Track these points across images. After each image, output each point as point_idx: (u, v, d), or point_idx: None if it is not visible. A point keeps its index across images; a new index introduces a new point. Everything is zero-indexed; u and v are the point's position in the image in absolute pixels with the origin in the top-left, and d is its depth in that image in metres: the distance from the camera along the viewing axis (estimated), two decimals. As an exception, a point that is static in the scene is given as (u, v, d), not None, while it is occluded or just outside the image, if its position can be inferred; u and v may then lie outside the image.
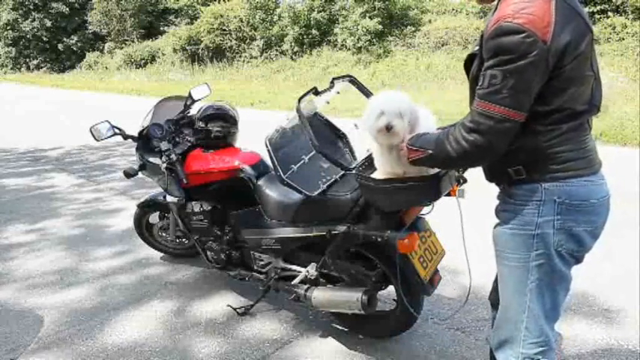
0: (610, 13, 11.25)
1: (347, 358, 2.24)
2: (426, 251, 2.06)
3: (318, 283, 2.27)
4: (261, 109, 10.68)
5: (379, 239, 1.91)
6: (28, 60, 30.31)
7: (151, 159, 2.72)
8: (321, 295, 2.19)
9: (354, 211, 1.97)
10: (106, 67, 24.30)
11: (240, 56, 18.10)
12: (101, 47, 26.68)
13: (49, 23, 27.72)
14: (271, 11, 17.55)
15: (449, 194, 1.73)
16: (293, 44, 16.39)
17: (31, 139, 8.43)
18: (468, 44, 12.61)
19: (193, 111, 2.81)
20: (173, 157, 2.54)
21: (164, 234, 3.27)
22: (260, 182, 2.43)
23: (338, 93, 2.08)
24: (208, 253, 2.72)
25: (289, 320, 2.56)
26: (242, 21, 18.05)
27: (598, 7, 11.42)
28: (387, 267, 2.05)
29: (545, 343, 1.41)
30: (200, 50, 19.19)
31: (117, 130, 2.79)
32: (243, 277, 2.59)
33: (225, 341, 2.41)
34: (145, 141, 2.80)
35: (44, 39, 28.40)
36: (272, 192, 2.34)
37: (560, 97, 1.24)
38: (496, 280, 1.56)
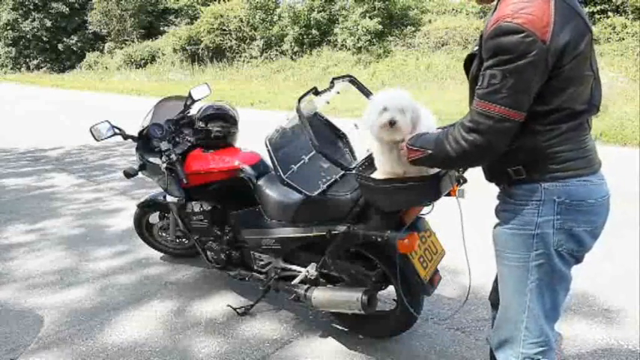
0: (610, 13, 11.25)
1: (347, 358, 2.24)
2: (426, 251, 2.06)
3: (318, 283, 2.27)
4: (261, 109, 10.68)
5: (379, 239, 1.91)
6: (28, 60, 30.32)
7: (151, 159, 2.72)
8: (321, 295, 2.19)
9: (354, 211, 1.97)
10: (106, 67, 24.30)
11: (240, 56, 18.10)
12: (101, 47, 26.69)
13: (49, 23, 27.73)
14: (271, 11, 17.55)
15: (449, 194, 1.73)
16: (293, 44, 16.39)
17: (31, 139, 8.43)
18: (468, 44, 12.61)
19: (193, 111, 2.81)
20: (173, 157, 2.54)
21: (164, 234, 3.27)
22: (260, 182, 2.43)
23: (338, 93, 2.08)
24: (208, 253, 2.72)
25: (289, 320, 2.56)
26: (242, 21, 18.05)
27: (598, 7, 11.41)
28: (387, 267, 2.05)
29: (546, 343, 1.41)
30: (200, 50, 19.20)
31: (117, 130, 2.79)
32: (243, 277, 2.59)
33: (225, 341, 2.41)
34: (144, 141, 2.80)
35: (44, 39, 28.41)
36: (272, 192, 2.34)
37: (560, 97, 1.24)
38: (496, 280, 1.56)
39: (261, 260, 2.51)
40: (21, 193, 5.18)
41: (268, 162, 2.31)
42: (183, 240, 3.23)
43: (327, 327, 2.48)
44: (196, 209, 2.67)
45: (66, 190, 5.26)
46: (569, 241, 1.32)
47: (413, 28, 14.52)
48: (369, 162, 1.80)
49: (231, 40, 18.30)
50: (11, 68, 30.97)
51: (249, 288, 2.82)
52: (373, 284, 2.12)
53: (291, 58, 16.45)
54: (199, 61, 19.21)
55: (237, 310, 2.63)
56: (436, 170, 1.57)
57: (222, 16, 18.58)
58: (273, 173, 2.24)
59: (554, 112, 1.26)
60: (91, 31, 27.51)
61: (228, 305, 2.68)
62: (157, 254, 3.41)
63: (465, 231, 1.66)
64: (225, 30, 18.41)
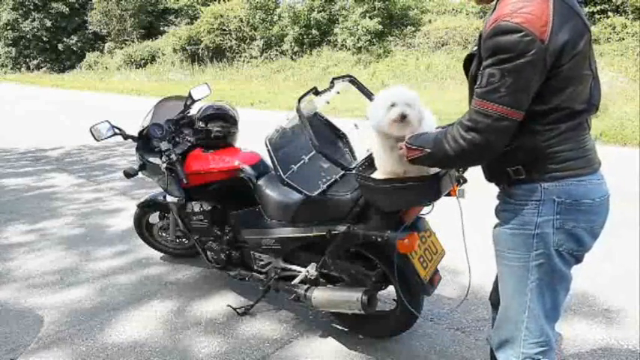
0: (610, 13, 11.24)
1: (347, 358, 2.24)
2: (426, 251, 2.06)
3: (318, 283, 2.27)
4: (261, 109, 10.68)
5: (379, 239, 1.91)
6: (28, 60, 30.33)
7: (151, 159, 2.72)
8: (321, 295, 2.19)
9: (354, 211, 1.97)
10: (106, 67, 24.31)
11: (240, 56, 18.11)
12: (101, 47, 26.70)
13: (49, 23, 27.74)
14: (271, 11, 17.55)
15: (449, 194, 1.73)
16: (293, 44, 16.39)
17: (31, 139, 8.43)
18: (468, 44, 12.61)
19: (193, 111, 2.81)
20: (173, 157, 2.54)
21: (164, 234, 3.27)
22: (260, 182, 2.43)
23: (338, 93, 2.08)
24: (208, 253, 2.72)
25: (289, 320, 2.56)
26: (242, 21, 18.05)
27: (598, 7, 11.41)
28: (387, 267, 2.05)
29: (546, 343, 1.41)
30: (200, 50, 19.20)
31: (117, 130, 2.79)
32: (243, 277, 2.59)
33: (225, 341, 2.41)
34: (145, 141, 2.80)
35: (44, 39, 28.42)
36: (272, 192, 2.34)
37: (559, 97, 1.25)
38: (496, 280, 1.56)
39: (261, 260, 2.51)
40: (21, 193, 5.18)
41: (268, 162, 2.31)
42: (183, 240, 3.24)
43: (327, 327, 2.48)
44: (196, 209, 2.67)
45: (66, 190, 5.26)
46: (569, 240, 1.32)
47: (413, 28, 14.52)
48: (369, 162, 1.80)
49: (231, 40, 18.31)
50: (11, 68, 30.98)
51: (249, 288, 2.82)
52: (373, 284, 2.12)
53: (291, 58, 16.45)
54: (199, 61, 19.21)
55: (237, 310, 2.63)
56: (436, 170, 1.58)
57: (222, 16, 18.59)
58: (273, 173, 2.24)
59: (554, 111, 1.26)
60: (91, 31, 27.53)
61: (228, 305, 2.68)
62: (157, 254, 3.41)
63: (465, 231, 1.66)
64: (225, 30, 18.42)
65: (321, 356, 2.26)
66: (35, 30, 27.90)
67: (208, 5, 20.50)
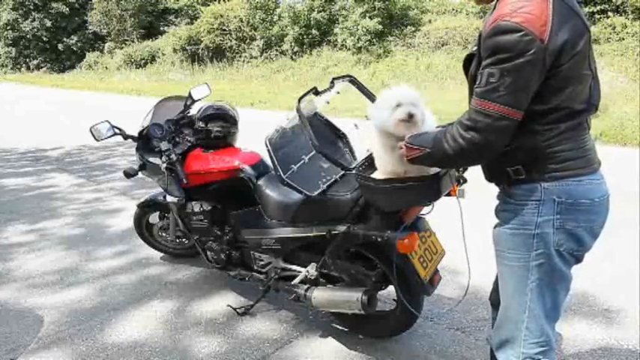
0: (610, 13, 11.24)
1: (347, 358, 2.24)
2: (426, 251, 2.06)
3: (318, 283, 2.27)
4: (261, 109, 10.68)
5: (379, 239, 1.91)
6: (28, 60, 30.33)
7: (151, 159, 2.72)
8: (321, 295, 2.19)
9: (354, 211, 1.97)
10: (106, 67, 24.31)
11: (240, 56, 18.10)
12: (101, 47, 26.70)
13: (49, 23, 27.74)
14: (271, 11, 17.55)
15: (449, 194, 1.73)
16: (293, 44, 16.39)
17: (31, 139, 8.43)
18: (467, 44, 12.60)
19: (193, 111, 2.81)
20: (173, 157, 2.54)
21: (164, 234, 3.27)
22: (260, 182, 2.43)
23: (338, 93, 2.08)
24: (208, 253, 2.72)
25: (289, 320, 2.56)
26: (242, 21, 18.05)
27: (598, 7, 11.40)
28: (387, 267, 2.05)
29: (546, 343, 1.41)
30: (200, 50, 19.20)
31: (117, 130, 2.79)
32: (243, 277, 2.59)
33: (225, 341, 2.41)
34: (145, 141, 2.80)
35: (44, 39, 28.42)
36: (272, 192, 2.34)
37: (559, 96, 1.25)
38: (496, 280, 1.56)
39: (261, 260, 2.51)
40: (21, 193, 5.18)
41: (268, 162, 2.31)
42: (183, 240, 3.24)
43: (327, 327, 2.48)
44: (196, 209, 2.67)
45: (66, 190, 5.26)
46: (569, 240, 1.32)
47: (413, 28, 14.51)
48: (369, 162, 1.80)
49: (231, 40, 18.31)
50: (11, 68, 30.98)
51: (249, 288, 2.82)
52: (373, 284, 2.12)
53: (291, 58, 16.45)
54: (199, 61, 19.21)
55: (237, 310, 2.63)
56: (436, 170, 1.57)
57: (222, 16, 18.58)
58: (273, 173, 2.24)
59: (553, 111, 1.26)
60: (91, 31, 27.53)
61: (228, 305, 2.68)
62: (157, 254, 3.41)
63: (465, 231, 1.66)
64: (225, 30, 18.42)
65: (321, 356, 2.26)
66: (35, 30, 27.90)
67: (208, 5, 20.50)
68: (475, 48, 1.33)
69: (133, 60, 22.68)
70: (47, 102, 14.68)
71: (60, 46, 28.35)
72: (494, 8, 1.27)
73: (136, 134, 2.85)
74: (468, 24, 13.47)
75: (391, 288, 2.17)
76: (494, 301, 1.62)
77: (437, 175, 1.57)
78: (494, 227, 1.45)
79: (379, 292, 2.22)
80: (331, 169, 2.16)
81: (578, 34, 1.23)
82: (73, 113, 11.72)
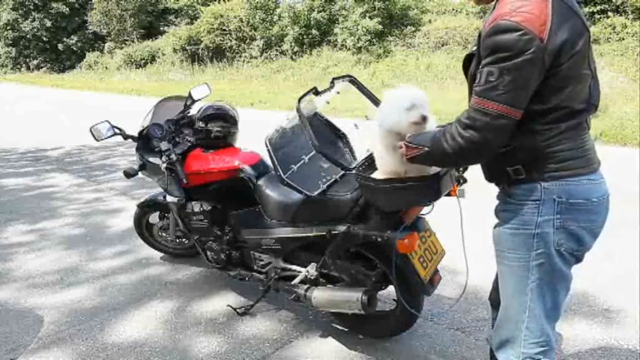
0: (610, 13, 11.23)
1: (347, 358, 2.24)
2: (426, 251, 2.06)
3: (318, 283, 2.27)
4: (261, 109, 10.68)
5: (379, 239, 1.91)
6: (28, 60, 30.34)
7: (151, 159, 2.72)
8: (321, 295, 2.19)
9: (354, 211, 1.97)
10: (106, 67, 24.31)
11: (240, 56, 18.10)
12: (101, 47, 26.70)
13: (49, 23, 27.74)
14: (271, 11, 17.55)
15: (449, 194, 1.73)
16: (293, 44, 16.39)
17: (31, 139, 8.43)
18: (467, 44, 12.60)
19: (193, 111, 2.81)
20: (173, 157, 2.54)
21: (164, 234, 3.27)
22: (260, 182, 2.43)
23: (338, 93, 2.08)
24: (208, 253, 2.72)
25: (289, 320, 2.56)
26: (242, 21, 18.05)
27: (598, 7, 11.39)
28: (387, 267, 2.05)
29: (546, 342, 1.41)
30: (200, 50, 19.20)
31: (117, 130, 2.79)
32: (243, 277, 2.60)
33: (225, 341, 2.41)
34: (145, 141, 2.80)
35: (44, 39, 28.42)
36: (272, 192, 2.34)
37: (558, 96, 1.25)
38: (496, 280, 1.56)
39: (261, 260, 2.51)
40: (21, 193, 5.18)
41: (268, 162, 2.31)
42: (183, 240, 3.24)
43: (327, 327, 2.48)
44: (196, 209, 2.67)
45: (66, 190, 5.26)
46: (570, 240, 1.32)
47: (413, 28, 14.51)
48: (369, 162, 1.80)
49: (231, 40, 18.31)
50: (11, 68, 30.98)
51: (249, 288, 2.82)
52: (373, 284, 2.12)
53: (291, 58, 16.45)
54: (199, 61, 19.21)
55: (237, 310, 2.63)
56: (436, 170, 1.57)
57: (222, 16, 18.58)
58: (273, 173, 2.24)
59: (553, 111, 1.26)
60: (91, 31, 27.53)
61: (228, 305, 2.68)
62: (157, 254, 3.41)
63: (465, 231, 1.66)
64: (225, 30, 18.42)
65: (321, 356, 2.26)
66: (35, 30, 27.91)
67: (208, 5, 20.50)
68: (475, 48, 1.33)
69: (133, 60, 22.68)
70: (47, 102, 14.68)
71: (60, 46, 28.35)
72: (494, 8, 1.27)
73: (136, 134, 2.85)
74: (468, 24, 13.47)
75: (391, 288, 2.17)
76: (494, 301, 1.62)
77: (437, 175, 1.57)
78: (494, 227, 1.45)
79: (379, 292, 2.22)
80: (331, 169, 2.16)
81: (578, 34, 1.23)
82: (73, 113, 11.72)
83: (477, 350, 2.23)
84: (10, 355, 2.36)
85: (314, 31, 16.04)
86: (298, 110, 1.91)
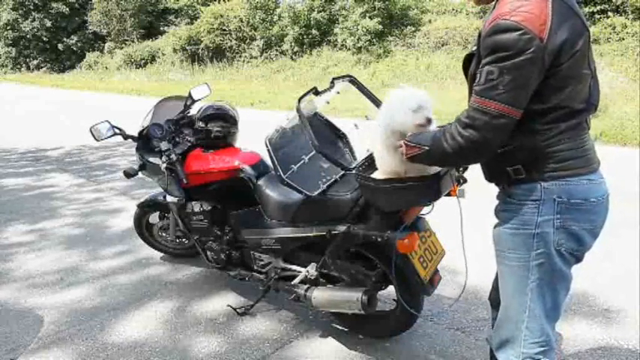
0: (610, 13, 11.23)
1: (347, 358, 2.24)
2: (426, 251, 2.06)
3: (318, 283, 2.27)
4: (261, 109, 10.68)
5: (379, 239, 1.91)
6: (28, 60, 30.34)
7: (151, 159, 2.72)
8: (321, 295, 2.19)
9: (354, 211, 1.97)
10: (106, 67, 24.31)
11: (240, 56, 18.10)
12: (101, 47, 26.70)
13: (49, 23, 27.74)
14: (271, 11, 17.55)
15: (449, 194, 1.73)
16: (293, 44, 16.39)
17: (31, 139, 8.43)
18: (467, 44, 12.60)
19: (193, 111, 2.81)
20: (173, 157, 2.54)
21: (164, 234, 3.27)
22: (260, 182, 2.43)
23: (338, 93, 2.08)
24: (208, 253, 2.72)
25: (289, 320, 2.56)
26: (242, 21, 18.05)
27: (598, 7, 11.39)
28: (387, 267, 2.05)
29: (546, 342, 1.41)
30: (200, 50, 19.20)
31: (117, 130, 2.79)
32: (243, 277, 2.59)
33: (225, 341, 2.41)
34: (145, 141, 2.80)
35: (44, 39, 28.42)
36: (272, 192, 2.34)
37: (558, 96, 1.25)
38: (496, 280, 1.56)
39: (261, 260, 2.51)
40: (21, 193, 5.18)
41: (268, 162, 2.31)
42: (183, 240, 3.24)
43: (327, 327, 2.48)
44: (196, 209, 2.67)
45: (66, 190, 5.26)
46: (570, 240, 1.32)
47: (413, 28, 14.51)
48: (369, 162, 1.80)
49: (231, 40, 18.31)
50: (11, 68, 30.98)
51: (249, 288, 2.82)
52: (373, 284, 2.12)
53: (291, 58, 16.45)
54: (199, 61, 19.21)
55: (237, 310, 2.63)
56: (436, 170, 1.57)
57: (222, 16, 18.58)
58: (273, 173, 2.24)
59: (553, 110, 1.26)
60: (91, 31, 27.53)
61: (228, 305, 2.68)
62: (157, 254, 3.41)
63: (466, 231, 1.66)
64: (225, 30, 18.42)
65: (321, 356, 2.26)
66: (35, 30, 27.90)
67: (208, 5, 20.50)
68: (475, 47, 1.33)
69: (133, 60, 22.68)
70: (47, 102, 14.68)
71: (60, 46, 28.36)
72: (494, 8, 1.27)
73: (136, 134, 2.85)
74: (468, 24, 13.47)
75: (391, 288, 2.17)
76: (494, 301, 1.62)
77: (437, 175, 1.57)
78: (494, 227, 1.45)
79: (379, 292, 2.22)
80: (331, 169, 2.16)
81: (578, 34, 1.23)
82: (73, 113, 11.72)
83: (477, 350, 2.23)
84: (10, 355, 2.36)
85: (314, 31, 16.04)
86: (298, 110, 1.91)
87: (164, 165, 2.54)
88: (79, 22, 28.08)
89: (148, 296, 2.88)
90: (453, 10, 15.30)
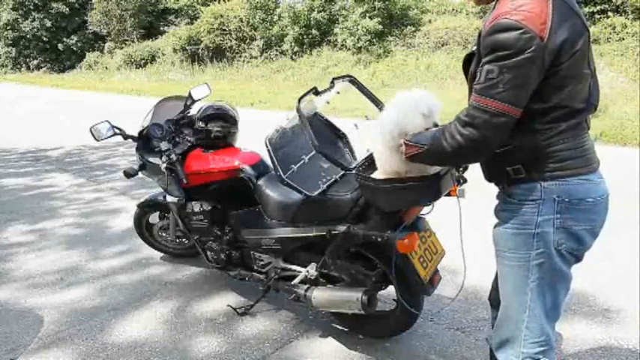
0: (610, 13, 11.22)
1: (347, 358, 2.24)
2: (426, 251, 2.06)
3: (318, 283, 2.27)
4: (261, 109, 10.68)
5: (379, 239, 1.91)
6: (28, 60, 30.33)
7: (151, 159, 2.72)
8: (321, 295, 2.19)
9: (354, 211, 1.97)
10: (106, 67, 24.30)
11: (240, 56, 18.10)
12: (101, 47, 26.69)
13: (49, 23, 27.73)
14: (271, 11, 17.54)
15: (449, 194, 1.73)
16: (293, 44, 16.39)
17: (31, 139, 8.43)
18: (467, 44, 12.60)
19: (193, 111, 2.82)
20: (173, 157, 2.54)
21: (164, 234, 3.27)
22: (260, 182, 2.43)
23: (338, 93, 2.08)
24: (208, 253, 2.72)
25: (289, 320, 2.56)
26: (242, 21, 18.05)
27: (598, 7, 11.39)
28: (387, 267, 2.05)
29: (546, 342, 1.41)
30: (200, 50, 19.19)
31: (117, 130, 2.79)
32: (243, 277, 2.60)
33: (225, 341, 2.41)
34: (145, 141, 2.80)
35: (44, 39, 28.40)
36: (272, 192, 2.34)
37: (558, 95, 1.25)
38: (496, 280, 1.56)
39: (261, 260, 2.51)
40: (21, 193, 5.18)
41: (268, 162, 2.31)
42: (183, 240, 3.24)
43: (327, 327, 2.48)
44: (196, 209, 2.67)
45: (66, 190, 5.26)
46: (570, 239, 1.32)
47: (413, 28, 14.51)
48: (369, 162, 1.80)
49: (231, 40, 18.30)
50: (11, 68, 30.97)
51: (249, 288, 2.82)
52: (373, 284, 2.12)
53: (291, 58, 16.44)
54: (199, 61, 19.21)
55: (237, 310, 2.63)
56: (436, 170, 1.57)
57: (222, 16, 18.58)
58: (273, 173, 2.24)
59: (553, 110, 1.26)
60: (91, 31, 27.51)
61: (228, 305, 2.68)
62: (157, 254, 3.41)
63: (466, 231, 1.66)
64: (225, 30, 18.41)
65: (321, 356, 2.26)
66: (35, 30, 27.89)
67: (208, 5, 20.49)
68: (475, 47, 1.33)
69: (133, 60, 22.67)
70: (47, 102, 14.68)
71: (60, 46, 28.34)
72: (494, 7, 1.27)
73: (136, 134, 2.85)
74: (468, 24, 13.46)
75: (391, 288, 2.17)
76: (494, 300, 1.62)
77: (437, 175, 1.57)
78: (494, 227, 1.45)
79: (379, 292, 2.22)
80: (331, 169, 2.16)
81: (578, 34, 1.23)
82: (73, 113, 11.72)
83: (477, 350, 2.23)
84: (10, 355, 2.36)
85: (314, 31, 16.03)
86: (298, 110, 1.91)
87: (164, 165, 2.54)
88: (79, 22, 28.06)
89: (148, 296, 2.88)
90: (453, 10, 15.29)
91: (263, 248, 2.42)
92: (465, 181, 1.83)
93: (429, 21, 14.83)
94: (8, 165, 6.58)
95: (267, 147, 2.08)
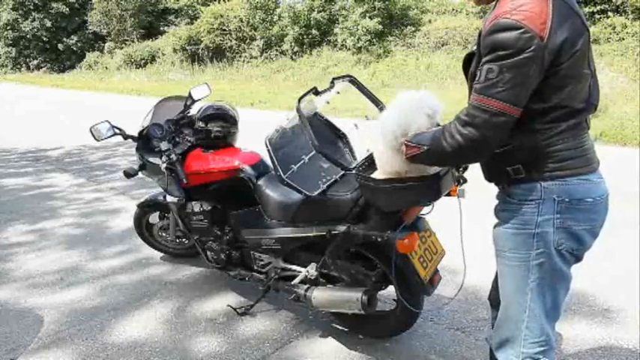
0: (610, 13, 11.23)
1: (347, 358, 2.24)
2: (426, 251, 2.06)
3: (318, 283, 2.27)
4: (261, 109, 10.68)
5: (379, 239, 1.91)
6: (28, 60, 30.33)
7: (151, 159, 2.72)
8: (321, 295, 2.19)
9: (354, 211, 1.97)
10: (106, 67, 24.30)
11: (240, 56, 18.10)
12: (101, 47, 26.69)
13: (49, 23, 27.73)
14: (271, 11, 17.54)
15: (449, 194, 1.73)
16: (293, 44, 16.39)
17: (31, 139, 8.43)
18: (467, 44, 12.60)
19: (193, 111, 2.82)
20: (173, 157, 2.54)
21: (164, 234, 3.27)
22: (260, 182, 2.43)
23: (338, 93, 2.08)
24: (208, 253, 2.72)
25: (289, 320, 2.56)
26: (242, 21, 18.05)
27: (598, 7, 11.39)
28: (387, 267, 2.05)
29: (546, 342, 1.41)
30: (200, 50, 19.20)
31: (117, 130, 2.79)
32: (243, 277, 2.60)
33: (225, 341, 2.41)
34: (145, 141, 2.80)
35: (44, 39, 28.41)
36: (272, 192, 2.34)
37: (558, 95, 1.25)
38: (496, 280, 1.56)
39: (261, 260, 2.51)
40: (21, 193, 5.18)
41: (268, 162, 2.31)
42: (183, 240, 3.24)
43: (327, 327, 2.48)
44: (196, 209, 2.67)
45: (66, 190, 5.26)
46: (570, 239, 1.32)
47: (413, 28, 14.51)
48: (369, 162, 1.80)
49: (231, 40, 18.30)
50: (11, 68, 30.97)
51: (249, 288, 2.82)
52: (373, 284, 2.12)
53: (291, 58, 16.45)
54: (199, 61, 19.21)
55: (237, 310, 2.63)
56: (436, 170, 1.57)
57: (222, 16, 18.58)
58: (273, 173, 2.24)
59: (553, 110, 1.26)
60: (91, 31, 27.52)
61: (228, 305, 2.68)
62: (157, 254, 3.41)
63: (466, 231, 1.66)
64: (225, 30, 18.41)
65: (321, 356, 2.26)
66: (35, 30, 27.89)
67: (208, 5, 20.50)
68: (475, 47, 1.33)
69: (133, 60, 22.67)
70: (47, 102, 14.68)
71: (60, 46, 28.34)
72: (494, 7, 1.27)
73: (136, 134, 2.85)
74: (468, 24, 13.47)
75: (391, 288, 2.17)
76: (494, 300, 1.62)
77: (437, 175, 1.57)
78: (494, 227, 1.45)
79: (379, 292, 2.22)
80: (331, 169, 2.16)
81: (578, 33, 1.23)
82: (73, 113, 11.72)
83: (477, 350, 2.23)
84: (10, 355, 2.36)
85: (314, 31, 16.04)
86: (298, 110, 1.91)
87: (164, 165, 2.54)
88: (79, 22, 28.06)
89: (148, 296, 2.88)
90: (453, 10, 15.29)
91: (263, 248, 2.42)
92: (465, 181, 1.82)
93: (429, 21, 14.83)
94: (8, 165, 6.58)
95: (267, 147, 2.08)
